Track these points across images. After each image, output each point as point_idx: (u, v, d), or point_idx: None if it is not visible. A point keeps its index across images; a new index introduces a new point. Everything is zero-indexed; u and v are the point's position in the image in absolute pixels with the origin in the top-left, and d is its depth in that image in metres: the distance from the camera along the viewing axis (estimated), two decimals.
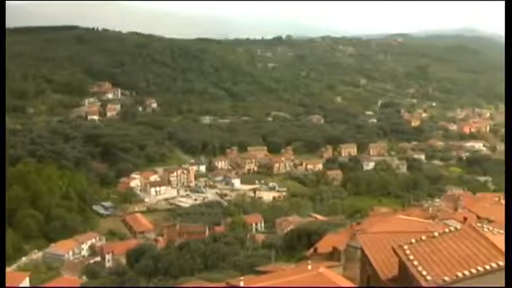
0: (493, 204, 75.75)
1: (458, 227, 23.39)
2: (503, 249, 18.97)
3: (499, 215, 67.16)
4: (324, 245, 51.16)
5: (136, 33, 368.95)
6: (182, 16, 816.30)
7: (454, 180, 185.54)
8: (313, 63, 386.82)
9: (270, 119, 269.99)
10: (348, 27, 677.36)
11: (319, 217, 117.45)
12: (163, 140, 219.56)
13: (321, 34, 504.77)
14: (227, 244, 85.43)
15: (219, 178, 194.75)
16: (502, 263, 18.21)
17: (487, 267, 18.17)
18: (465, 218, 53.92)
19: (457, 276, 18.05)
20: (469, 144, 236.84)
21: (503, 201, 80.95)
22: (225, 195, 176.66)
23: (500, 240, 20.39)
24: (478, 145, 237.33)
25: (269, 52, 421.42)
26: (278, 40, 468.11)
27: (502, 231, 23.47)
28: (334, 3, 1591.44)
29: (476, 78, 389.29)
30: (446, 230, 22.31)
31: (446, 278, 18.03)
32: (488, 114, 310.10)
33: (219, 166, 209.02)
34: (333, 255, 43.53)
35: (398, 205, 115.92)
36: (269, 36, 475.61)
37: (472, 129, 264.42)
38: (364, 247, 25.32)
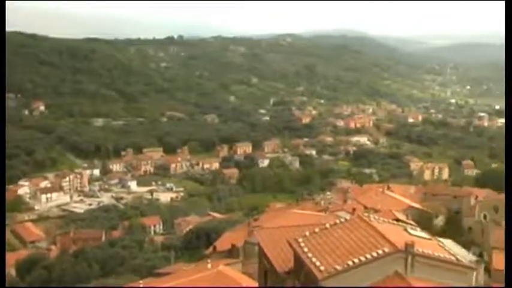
0: (378, 194, 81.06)
1: (348, 217, 24.54)
2: (389, 237, 20.34)
3: (384, 204, 71.97)
4: (222, 243, 51.65)
5: (20, 33, 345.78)
6: (67, 15, 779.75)
7: (342, 174, 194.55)
8: (206, 63, 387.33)
9: (164, 119, 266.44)
10: (239, 28, 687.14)
11: (217, 215, 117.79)
12: (53, 144, 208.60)
13: (213, 34, 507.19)
14: (125, 248, 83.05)
15: (115, 181, 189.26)
16: (387, 250, 19.48)
17: (374, 254, 19.35)
18: (354, 209, 57.06)
19: (347, 264, 19.04)
20: (355, 138, 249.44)
21: (387, 192, 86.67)
22: (121, 198, 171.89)
23: (385, 229, 21.85)
24: (363, 139, 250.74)
25: (161, 52, 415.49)
26: (170, 40, 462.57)
27: (387, 220, 25.18)
28: (224, 4, 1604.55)
29: (360, 76, 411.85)
30: (337, 221, 23.37)
31: (338, 267, 18.96)
32: (371, 110, 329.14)
33: (114, 169, 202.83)
34: (232, 253, 44.04)
35: (293, 200, 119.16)
36: (161, 36, 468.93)
37: (357, 125, 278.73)
38: (261, 242, 25.90)
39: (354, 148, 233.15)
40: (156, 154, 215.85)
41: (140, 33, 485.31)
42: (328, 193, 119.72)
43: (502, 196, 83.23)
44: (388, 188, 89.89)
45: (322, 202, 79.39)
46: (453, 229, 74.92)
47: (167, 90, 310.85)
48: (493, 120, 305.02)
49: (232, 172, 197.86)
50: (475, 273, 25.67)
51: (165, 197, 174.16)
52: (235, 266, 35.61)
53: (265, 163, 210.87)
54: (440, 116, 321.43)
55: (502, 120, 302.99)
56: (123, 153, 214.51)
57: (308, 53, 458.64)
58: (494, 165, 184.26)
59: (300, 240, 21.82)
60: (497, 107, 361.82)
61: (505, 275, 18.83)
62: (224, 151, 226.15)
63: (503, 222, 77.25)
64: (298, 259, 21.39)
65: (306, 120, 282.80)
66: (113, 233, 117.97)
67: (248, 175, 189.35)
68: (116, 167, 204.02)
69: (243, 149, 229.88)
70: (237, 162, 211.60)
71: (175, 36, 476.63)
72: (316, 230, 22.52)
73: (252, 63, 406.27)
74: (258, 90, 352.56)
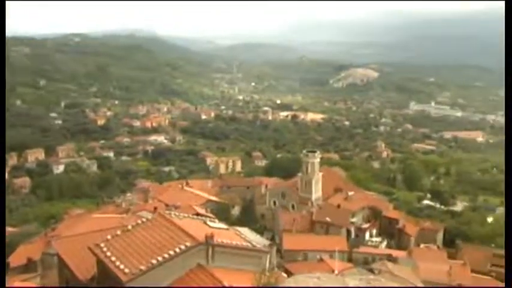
0: (178, 191, 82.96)
1: (150, 217, 24.90)
2: (190, 231, 21.23)
3: (184, 200, 73.78)
4: (16, 258, 48.00)
5: None
6: None
7: (142, 173, 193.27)
8: None
9: None
10: (18, 27, 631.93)
11: (10, 229, 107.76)
12: None
13: None
14: None
15: None
16: (189, 244, 20.32)
17: (177, 250, 20.06)
18: (155, 208, 57.74)
19: (152, 263, 19.42)
20: (152, 138, 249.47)
21: (187, 188, 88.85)
22: None
23: (186, 224, 22.72)
24: (160, 138, 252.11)
25: None
26: None
27: (187, 215, 26.15)
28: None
29: (153, 76, 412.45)
30: (139, 221, 23.56)
31: (142, 267, 19.22)
32: (165, 109, 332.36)
33: None
34: (28, 267, 41.16)
35: (93, 204, 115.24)
36: None
37: (154, 124, 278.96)
38: (61, 252, 24.90)
39: (152, 147, 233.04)
40: None
41: None
42: (128, 194, 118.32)
43: (288, 183, 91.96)
44: (187, 184, 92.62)
45: (124, 204, 78.18)
46: (248, 217, 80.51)
47: None
48: (276, 114, 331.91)
49: (24, 181, 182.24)
50: (268, 256, 28.24)
51: None
52: (33, 280, 33.52)
53: (60, 169, 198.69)
54: (230, 112, 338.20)
55: (284, 113, 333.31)
56: None
57: (98, 53, 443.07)
58: (279, 155, 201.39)
59: (102, 245, 21.51)
60: (278, 102, 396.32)
61: (505, 274, 20.01)
62: (13, 159, 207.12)
63: (290, 207, 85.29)
64: (101, 264, 21.08)
65: (101, 121, 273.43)
66: None
67: (42, 183, 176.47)
68: None
69: (35, 155, 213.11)
70: (28, 170, 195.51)
71: None
72: (119, 232, 22.44)
73: (37, 64, 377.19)
74: (47, 92, 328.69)
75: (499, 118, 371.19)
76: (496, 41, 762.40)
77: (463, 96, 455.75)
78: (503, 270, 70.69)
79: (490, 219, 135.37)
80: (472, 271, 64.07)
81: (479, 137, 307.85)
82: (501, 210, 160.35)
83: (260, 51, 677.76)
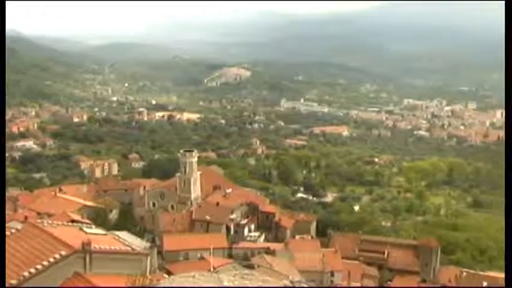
0: (50, 198, 79.01)
1: (19, 227, 23.71)
2: (65, 239, 20.65)
3: (57, 207, 70.57)
4: None
5: None
6: None
7: (10, 181, 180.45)
8: None
9: None
10: None
11: None
12: None
13: None
14: None
15: None
16: (64, 252, 19.80)
17: (51, 259, 19.45)
18: (26, 217, 54.43)
19: (24, 276, 18.64)
20: (20, 143, 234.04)
21: (60, 194, 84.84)
22: None
23: (60, 232, 22.04)
24: (29, 143, 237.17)
25: None
26: None
27: (61, 223, 25.34)
28: None
29: (19, 78, 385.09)
30: (8, 233, 22.38)
31: (13, 281, 18.39)
32: (33, 113, 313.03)
33: None
34: None
35: None
36: None
37: (21, 129, 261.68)
38: None
39: (20, 153, 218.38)
40: None
41: None
42: None
43: (167, 183, 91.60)
44: (60, 191, 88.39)
45: None
46: (127, 220, 78.99)
47: None
48: (152, 114, 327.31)
49: None
50: (149, 258, 28.24)
51: None
52: None
53: None
54: (104, 113, 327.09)
55: (160, 114, 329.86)
56: None
57: None
58: (157, 156, 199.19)
59: None
60: (153, 102, 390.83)
61: (505, 275, 19.89)
62: None
63: (169, 207, 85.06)
64: None
65: None
66: None
67: None
68: None
69: None
70: None
71: None
72: None
73: None
74: None
75: (361, 113, 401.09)
76: (357, 40, 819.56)
77: (328, 93, 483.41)
78: (370, 254, 76.83)
79: (356, 208, 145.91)
80: (343, 257, 68.89)
81: (345, 131, 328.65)
82: (366, 199, 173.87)
83: (132, 51, 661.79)
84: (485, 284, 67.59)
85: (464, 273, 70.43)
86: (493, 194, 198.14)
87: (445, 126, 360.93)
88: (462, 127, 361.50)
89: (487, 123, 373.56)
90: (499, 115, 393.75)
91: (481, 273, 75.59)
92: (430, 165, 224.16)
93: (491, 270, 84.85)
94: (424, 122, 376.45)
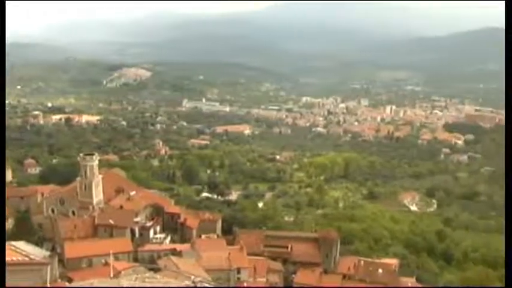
0: None
1: None
2: None
3: None
4: None
5: None
6: None
7: None
8: None
9: None
10: None
11: None
12: None
13: None
14: None
15: None
16: None
17: None
18: None
19: None
20: None
21: None
22: None
23: None
24: None
25: None
26: None
27: None
28: None
29: None
30: None
31: None
32: None
33: None
34: None
35: None
36: None
37: None
38: None
39: None
40: None
41: None
42: None
43: (66, 189, 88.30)
44: None
45: None
46: (24, 229, 75.12)
47: None
48: (48, 118, 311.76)
49: None
50: (49, 267, 27.59)
51: None
52: None
53: None
54: None
55: (57, 117, 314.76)
56: None
57: None
58: (54, 161, 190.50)
59: None
60: (49, 105, 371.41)
61: (505, 274, 19.64)
62: None
63: (70, 213, 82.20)
64: None
65: None
66: None
67: None
68: None
69: None
70: None
71: None
72: None
73: None
74: None
75: (262, 111, 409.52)
76: (255, 40, 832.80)
77: (229, 92, 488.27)
78: (275, 249, 79.29)
79: (260, 205, 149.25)
80: (248, 254, 70.45)
81: (247, 129, 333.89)
82: (269, 195, 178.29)
83: (22, 51, 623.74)
84: (380, 271, 72.32)
85: (362, 262, 74.70)
86: (386, 186, 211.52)
87: (341, 123, 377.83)
88: (356, 123, 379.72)
89: (378, 118, 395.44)
90: (389, 111, 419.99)
91: (377, 260, 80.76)
92: (328, 160, 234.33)
93: (386, 257, 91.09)
94: (321, 119, 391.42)
